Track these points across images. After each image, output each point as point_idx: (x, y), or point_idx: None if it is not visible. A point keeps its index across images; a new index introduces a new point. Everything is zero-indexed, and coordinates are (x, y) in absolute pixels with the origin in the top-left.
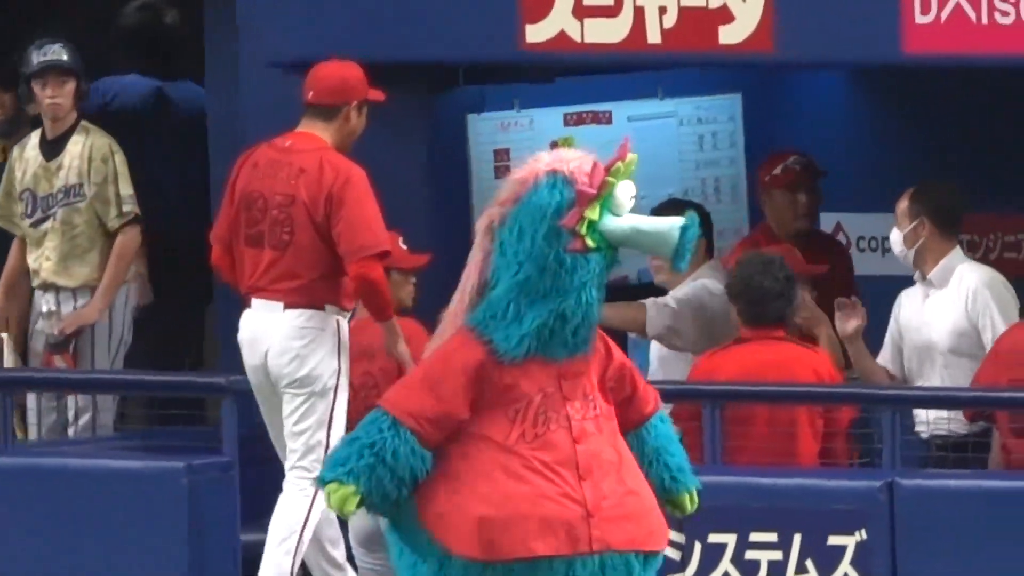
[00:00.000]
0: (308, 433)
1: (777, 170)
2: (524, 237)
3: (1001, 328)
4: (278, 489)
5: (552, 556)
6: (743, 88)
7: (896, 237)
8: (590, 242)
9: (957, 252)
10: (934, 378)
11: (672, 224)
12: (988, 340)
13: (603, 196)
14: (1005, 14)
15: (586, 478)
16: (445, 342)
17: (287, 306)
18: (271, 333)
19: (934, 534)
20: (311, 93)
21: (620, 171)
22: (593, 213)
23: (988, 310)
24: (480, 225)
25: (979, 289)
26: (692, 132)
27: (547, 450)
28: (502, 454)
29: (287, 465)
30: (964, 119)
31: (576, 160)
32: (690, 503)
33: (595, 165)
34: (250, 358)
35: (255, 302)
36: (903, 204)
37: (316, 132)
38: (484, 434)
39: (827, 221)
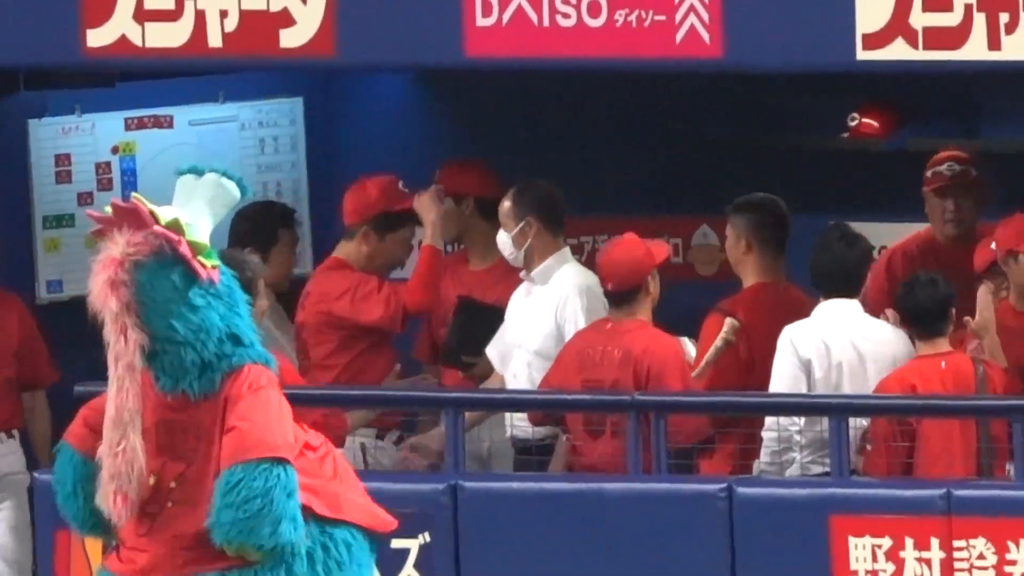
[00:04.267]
0: None
1: (928, 173)
2: (188, 313)
3: None
4: None
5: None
6: (305, 91)
7: (504, 240)
8: (214, 261)
9: (564, 252)
10: (521, 377)
11: (219, 183)
12: None
13: (183, 230)
14: (566, 16)
15: None
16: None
17: None
18: None
19: (497, 536)
20: None
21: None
22: (199, 247)
23: (576, 318)
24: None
25: (571, 296)
26: (253, 136)
27: None
28: None
29: None
30: (531, 121)
31: (126, 236)
32: None
33: (141, 220)
34: None
35: None
36: (506, 205)
37: None
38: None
39: None
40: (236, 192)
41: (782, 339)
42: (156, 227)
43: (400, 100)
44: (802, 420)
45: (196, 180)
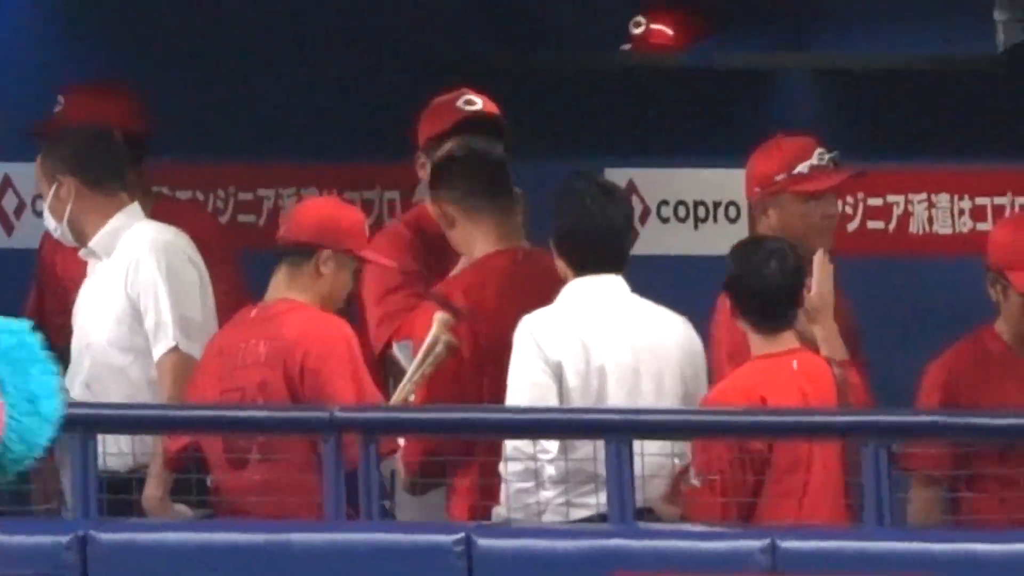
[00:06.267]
0: None
1: (805, 168)
2: None
3: (159, 311)
4: None
5: None
6: None
7: (46, 211)
8: None
9: (132, 209)
10: (74, 386)
11: None
12: (150, 327)
13: None
14: None
15: None
16: None
17: None
18: None
19: None
20: None
21: None
22: None
23: (155, 285)
24: None
25: (144, 257)
26: None
27: None
28: None
29: None
30: (207, 36)
31: None
32: None
33: None
34: None
35: None
36: (37, 163)
37: None
38: None
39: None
40: None
41: (520, 334)
42: None
43: (18, 9)
44: (554, 446)
45: None
